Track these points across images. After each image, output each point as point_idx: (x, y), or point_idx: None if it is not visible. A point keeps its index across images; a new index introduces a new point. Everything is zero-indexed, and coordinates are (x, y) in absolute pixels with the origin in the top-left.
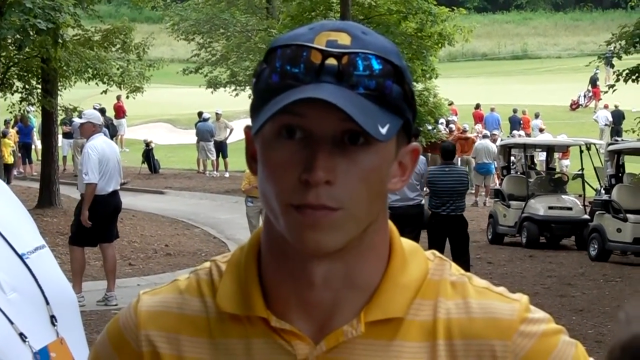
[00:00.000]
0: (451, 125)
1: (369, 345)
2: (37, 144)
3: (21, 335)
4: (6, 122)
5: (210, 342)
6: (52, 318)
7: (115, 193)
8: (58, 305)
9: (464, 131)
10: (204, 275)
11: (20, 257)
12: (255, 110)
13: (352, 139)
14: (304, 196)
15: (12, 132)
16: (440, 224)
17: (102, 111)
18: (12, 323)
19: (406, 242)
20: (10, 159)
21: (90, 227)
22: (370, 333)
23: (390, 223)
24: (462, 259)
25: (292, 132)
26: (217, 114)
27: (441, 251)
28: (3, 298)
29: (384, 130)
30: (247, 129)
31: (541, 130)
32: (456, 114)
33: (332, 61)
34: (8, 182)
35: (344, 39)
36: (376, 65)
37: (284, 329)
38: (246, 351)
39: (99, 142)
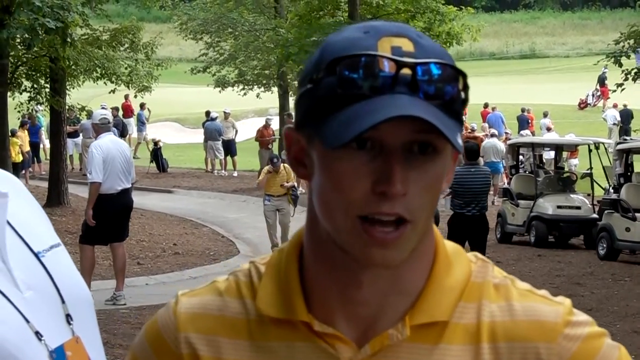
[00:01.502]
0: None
1: (414, 349)
2: (46, 143)
3: (37, 333)
4: (23, 123)
5: (251, 344)
6: (68, 317)
7: (124, 192)
8: (73, 304)
9: (472, 130)
10: (243, 277)
11: (36, 255)
12: (316, 119)
13: (421, 149)
14: (377, 207)
15: (23, 132)
16: (464, 224)
17: (116, 110)
18: (28, 322)
19: (449, 245)
20: (18, 158)
21: (101, 226)
22: (415, 336)
23: (434, 225)
24: None
25: (362, 142)
26: (225, 113)
27: None
28: (19, 296)
29: (459, 140)
30: (289, 131)
31: (549, 129)
32: (465, 114)
33: (406, 71)
34: None
35: (407, 45)
36: (442, 73)
37: (327, 333)
38: (288, 354)
39: (105, 141)
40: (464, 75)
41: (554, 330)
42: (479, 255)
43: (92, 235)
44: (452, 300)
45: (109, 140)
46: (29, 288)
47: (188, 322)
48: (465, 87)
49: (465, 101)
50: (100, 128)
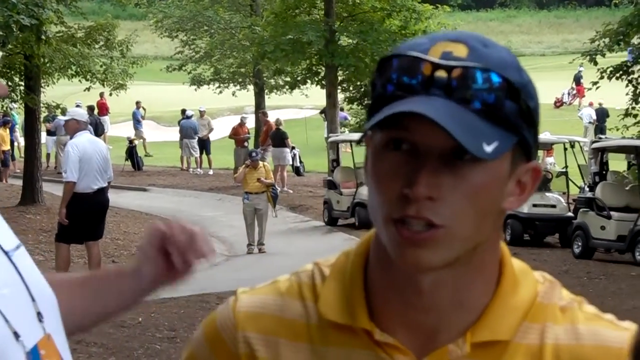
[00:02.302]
0: None
1: None
2: (20, 141)
3: (15, 334)
4: (5, 122)
5: (310, 348)
6: (39, 314)
7: (101, 191)
8: (41, 302)
9: None
10: (306, 278)
11: (6, 253)
12: (368, 117)
13: (458, 155)
14: (403, 209)
15: (4, 131)
16: None
17: (91, 109)
18: (7, 321)
19: (517, 263)
20: None
21: (77, 225)
22: (475, 354)
23: (502, 243)
24: None
25: (399, 144)
26: (200, 111)
27: None
28: None
29: (489, 149)
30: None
31: None
32: None
33: (441, 73)
34: None
35: (460, 51)
36: (486, 80)
37: (388, 343)
38: None
39: (82, 140)
40: (512, 84)
41: (620, 355)
42: (547, 275)
43: (67, 234)
44: (516, 319)
45: (85, 139)
46: (6, 286)
47: (247, 321)
48: (517, 97)
49: (523, 112)
50: (79, 126)
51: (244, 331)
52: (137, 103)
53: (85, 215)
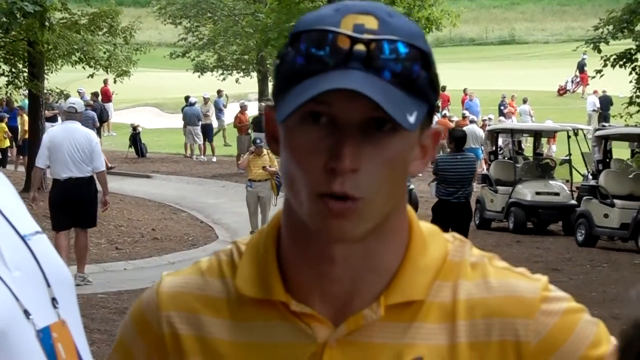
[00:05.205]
0: (447, 112)
1: (389, 328)
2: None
3: (25, 312)
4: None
5: (231, 323)
6: (53, 300)
7: (73, 180)
8: (58, 288)
9: (444, 116)
10: (224, 256)
11: (22, 238)
12: (279, 93)
13: (378, 125)
14: (329, 185)
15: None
16: (448, 211)
17: (95, 95)
18: (17, 299)
19: (425, 225)
20: (4, 143)
21: (57, 210)
22: (390, 316)
23: (409, 206)
24: None
25: (318, 117)
26: (204, 98)
27: None
28: (9, 275)
29: (412, 119)
30: (268, 109)
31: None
32: (449, 101)
33: (360, 47)
34: (3, 165)
35: (371, 23)
36: (403, 51)
37: (304, 313)
38: (267, 333)
39: (55, 129)
40: (427, 54)
41: (531, 305)
42: (457, 235)
43: (54, 220)
44: (427, 279)
45: (60, 128)
46: (17, 269)
47: (169, 301)
48: (429, 66)
49: (432, 80)
50: (66, 116)
51: (167, 311)
52: (219, 91)
53: (62, 202)
